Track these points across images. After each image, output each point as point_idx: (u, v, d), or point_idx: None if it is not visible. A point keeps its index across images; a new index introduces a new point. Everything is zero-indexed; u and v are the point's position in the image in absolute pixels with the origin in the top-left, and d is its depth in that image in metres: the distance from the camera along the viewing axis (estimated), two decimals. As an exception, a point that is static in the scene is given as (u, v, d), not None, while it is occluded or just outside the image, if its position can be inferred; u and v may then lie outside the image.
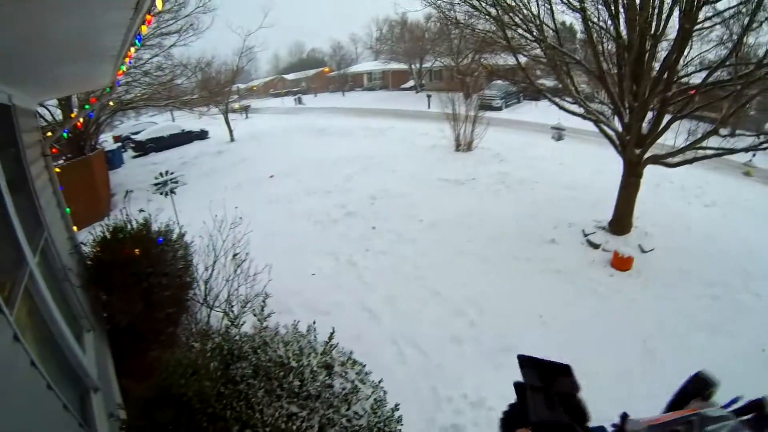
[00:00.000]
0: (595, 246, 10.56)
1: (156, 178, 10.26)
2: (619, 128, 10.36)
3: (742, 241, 11.55)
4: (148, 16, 3.31)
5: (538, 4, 9.87)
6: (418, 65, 44.95)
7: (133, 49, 4.46)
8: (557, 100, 11.12)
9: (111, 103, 16.56)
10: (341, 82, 57.85)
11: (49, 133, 6.06)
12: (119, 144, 26.36)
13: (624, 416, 1.75)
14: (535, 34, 9.89)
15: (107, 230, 5.84)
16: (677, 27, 8.53)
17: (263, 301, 4.34)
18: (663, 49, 9.47)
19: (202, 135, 28.37)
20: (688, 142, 9.46)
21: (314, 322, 3.90)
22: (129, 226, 5.87)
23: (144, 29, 3.68)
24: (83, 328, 4.94)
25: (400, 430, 3.89)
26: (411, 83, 47.50)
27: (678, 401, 1.57)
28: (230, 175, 17.91)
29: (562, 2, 9.65)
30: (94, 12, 3.01)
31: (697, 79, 9.49)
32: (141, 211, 6.15)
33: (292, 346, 3.45)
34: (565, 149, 18.53)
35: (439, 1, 11.55)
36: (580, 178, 15.24)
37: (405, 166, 16.76)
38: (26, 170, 4.66)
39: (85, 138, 17.34)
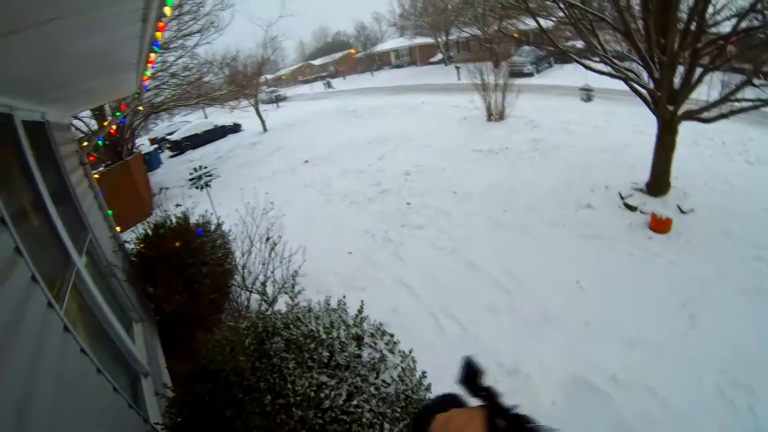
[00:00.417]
0: (633, 209, 10.34)
1: (191, 174, 10.61)
2: (650, 85, 9.98)
3: None
4: (159, 24, 3.48)
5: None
6: (444, 38, 44.28)
7: (153, 55, 4.66)
8: (584, 60, 10.84)
9: (141, 108, 17.13)
10: (369, 62, 57.72)
11: (85, 143, 6.43)
12: (156, 146, 27.14)
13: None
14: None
15: (149, 228, 6.21)
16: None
17: (293, 279, 4.54)
18: (689, -3, 9.06)
19: (236, 128, 28.97)
20: (722, 95, 9.07)
21: (344, 297, 4.05)
22: (168, 222, 6.22)
23: (159, 35, 3.86)
24: (132, 320, 5.34)
25: (431, 396, 4.07)
26: (439, 56, 46.89)
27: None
28: (265, 164, 18.25)
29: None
30: (106, 29, 3.20)
31: (727, 27, 8.98)
32: (178, 206, 6.45)
33: (323, 320, 3.61)
34: (599, 111, 18.06)
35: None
36: (616, 140, 14.80)
37: (437, 141, 16.70)
38: (66, 179, 5.00)
39: (121, 143, 17.87)
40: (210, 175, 10.73)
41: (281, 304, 4.51)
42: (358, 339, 3.57)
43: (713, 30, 9.33)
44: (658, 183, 10.61)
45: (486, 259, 8.60)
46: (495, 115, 18.77)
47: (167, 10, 3.29)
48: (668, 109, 9.78)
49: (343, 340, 3.44)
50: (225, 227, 6.94)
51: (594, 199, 10.77)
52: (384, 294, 7.51)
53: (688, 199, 10.40)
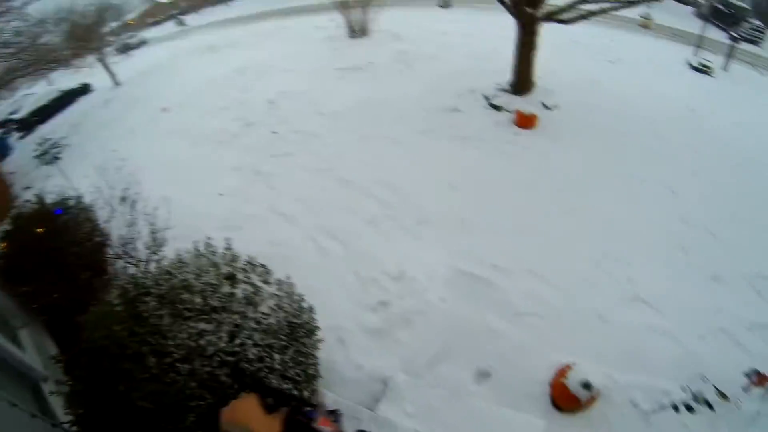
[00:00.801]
0: (498, 108, 10.93)
1: (35, 150, 9.67)
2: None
3: (647, 91, 12.33)
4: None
5: None
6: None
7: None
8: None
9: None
10: (222, -10, 53.51)
11: None
12: (1, 131, 23.97)
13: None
14: None
15: (8, 223, 5.70)
16: None
17: (154, 234, 4.43)
18: None
19: (84, 90, 26.13)
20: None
21: (209, 238, 4.07)
22: (24, 210, 5.74)
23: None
24: (15, 327, 4.99)
25: (316, 318, 4.21)
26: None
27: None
28: (123, 121, 16.72)
29: None
30: None
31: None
32: (27, 188, 5.92)
33: (190, 267, 3.61)
34: (464, 20, 18.25)
35: None
36: (485, 47, 15.23)
37: (300, 64, 16.20)
38: None
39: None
40: (57, 147, 9.82)
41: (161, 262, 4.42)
42: (231, 278, 3.60)
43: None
44: (522, 82, 11.24)
45: (359, 174, 8.79)
46: (358, 31, 18.48)
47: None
48: (527, 11, 10.16)
49: (213, 282, 3.45)
50: (87, 199, 6.45)
51: (460, 103, 11.20)
52: (261, 228, 7.46)
53: (553, 95, 11.19)
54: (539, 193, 8.27)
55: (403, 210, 7.79)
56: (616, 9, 9.38)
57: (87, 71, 23.64)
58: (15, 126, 24.24)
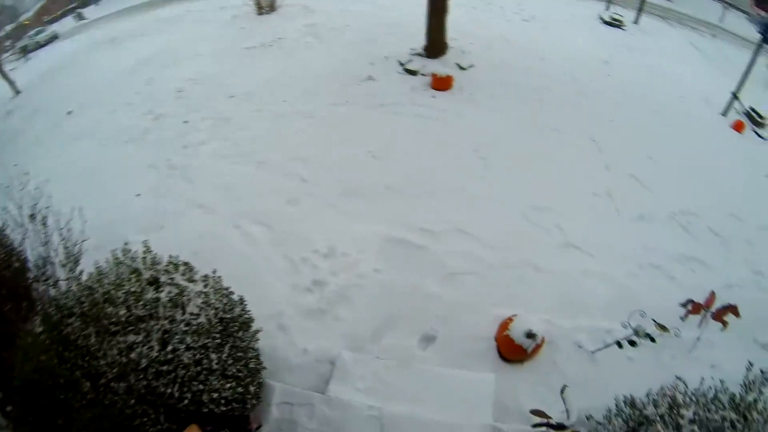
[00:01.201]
0: (413, 73, 10.81)
1: None
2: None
3: (561, 47, 12.52)
4: None
5: None
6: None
7: None
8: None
9: None
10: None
11: None
12: None
13: None
14: None
15: None
16: None
17: (67, 250, 4.06)
18: None
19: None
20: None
21: (125, 244, 3.85)
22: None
23: None
24: None
25: (248, 310, 4.11)
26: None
27: None
28: (26, 132, 15.40)
29: None
30: None
31: None
32: None
33: (109, 277, 3.41)
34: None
35: None
36: (397, 14, 14.95)
37: (207, 47, 15.24)
38: None
39: None
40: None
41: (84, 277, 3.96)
42: (155, 282, 3.42)
43: None
44: (435, 45, 11.14)
45: (276, 154, 8.42)
46: (266, 7, 17.70)
47: None
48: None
49: (135, 290, 3.26)
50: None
51: (375, 71, 10.99)
52: (184, 224, 7.02)
53: (467, 56, 11.20)
54: (461, 153, 8.28)
55: (325, 185, 7.57)
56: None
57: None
58: None
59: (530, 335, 4.69)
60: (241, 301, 3.99)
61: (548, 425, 3.85)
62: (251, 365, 3.77)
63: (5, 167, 10.38)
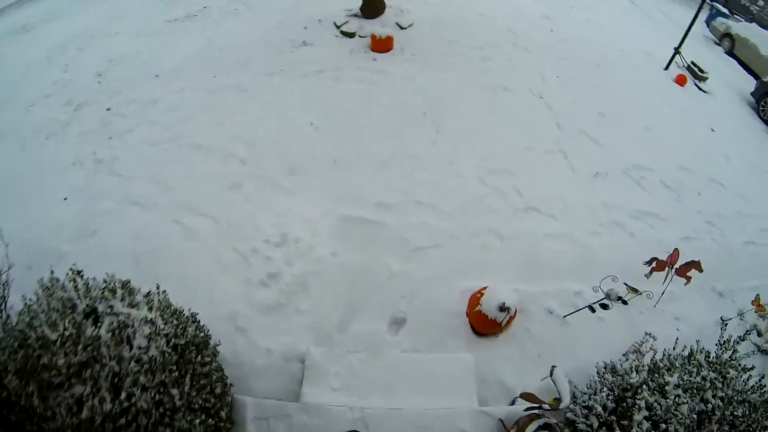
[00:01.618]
0: (350, 35, 10.26)
1: None
2: None
3: (501, 3, 12.04)
4: None
5: None
6: None
7: None
8: None
9: None
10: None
11: None
12: None
13: None
14: None
15: None
16: None
17: None
18: None
19: None
20: None
21: (52, 273, 3.21)
22: None
23: None
24: None
25: (203, 326, 3.72)
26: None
27: None
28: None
29: None
30: None
31: None
32: None
33: (40, 318, 2.86)
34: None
35: None
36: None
37: (126, 24, 13.74)
38: None
39: None
40: None
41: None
42: (93, 313, 2.93)
43: None
44: (372, 4, 10.57)
45: (210, 135, 7.66)
46: (187, -26, 16.49)
47: None
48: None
49: (71, 330, 2.76)
50: None
51: (309, 36, 10.30)
52: (118, 225, 6.23)
53: (406, 15, 10.71)
54: (408, 116, 7.91)
55: (267, 164, 6.93)
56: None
57: None
58: None
59: (503, 308, 4.55)
60: (194, 318, 3.58)
61: (541, 408, 3.68)
62: (218, 390, 3.40)
63: None
